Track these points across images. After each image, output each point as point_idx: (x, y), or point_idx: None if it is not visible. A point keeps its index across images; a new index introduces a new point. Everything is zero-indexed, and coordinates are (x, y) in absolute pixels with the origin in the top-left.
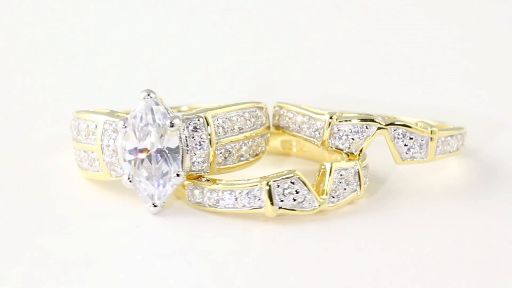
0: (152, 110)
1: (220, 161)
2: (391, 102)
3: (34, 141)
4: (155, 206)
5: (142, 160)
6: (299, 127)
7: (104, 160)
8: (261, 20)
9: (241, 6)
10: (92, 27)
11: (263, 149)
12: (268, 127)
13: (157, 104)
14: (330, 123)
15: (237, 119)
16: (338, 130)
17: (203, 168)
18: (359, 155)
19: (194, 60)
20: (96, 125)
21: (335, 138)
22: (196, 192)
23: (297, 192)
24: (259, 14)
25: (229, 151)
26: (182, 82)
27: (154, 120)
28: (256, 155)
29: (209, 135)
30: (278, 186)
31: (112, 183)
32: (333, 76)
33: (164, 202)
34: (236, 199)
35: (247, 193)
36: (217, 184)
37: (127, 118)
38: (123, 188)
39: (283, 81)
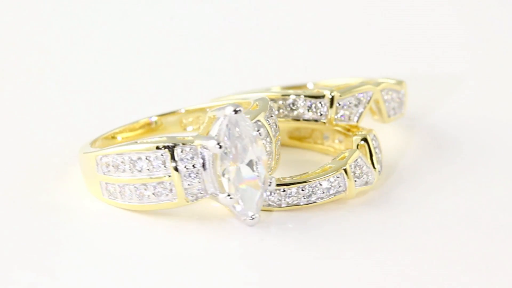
0: (239, 124)
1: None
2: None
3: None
4: (253, 218)
5: (237, 174)
6: (295, 111)
7: (182, 186)
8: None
9: None
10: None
11: None
12: None
13: (242, 117)
14: (332, 100)
15: (275, 116)
16: (339, 104)
17: (270, 169)
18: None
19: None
20: (162, 154)
21: (339, 113)
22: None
23: (363, 169)
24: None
25: (277, 148)
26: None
27: (247, 133)
28: None
29: (271, 136)
30: (352, 167)
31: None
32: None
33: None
34: (324, 190)
35: (332, 181)
36: (299, 181)
37: (216, 137)
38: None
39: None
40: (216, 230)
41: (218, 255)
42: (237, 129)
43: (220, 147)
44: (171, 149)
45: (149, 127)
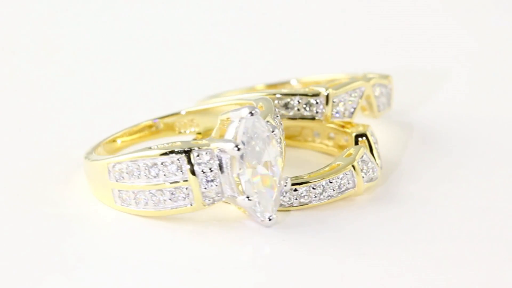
0: (255, 126)
1: None
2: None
3: None
4: (270, 219)
5: (254, 175)
6: (292, 111)
7: (200, 190)
8: None
9: None
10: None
11: None
12: None
13: (258, 119)
14: (328, 97)
15: (279, 116)
16: (334, 101)
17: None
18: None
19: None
20: (178, 159)
21: (334, 110)
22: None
23: (369, 165)
24: None
25: (284, 148)
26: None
27: (263, 134)
28: None
29: (279, 136)
30: (359, 163)
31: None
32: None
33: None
34: (334, 187)
35: (341, 178)
36: (309, 180)
37: (233, 139)
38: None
39: None
40: (235, 232)
41: (240, 257)
42: (253, 131)
43: (238, 149)
44: (187, 153)
45: (149, 130)
